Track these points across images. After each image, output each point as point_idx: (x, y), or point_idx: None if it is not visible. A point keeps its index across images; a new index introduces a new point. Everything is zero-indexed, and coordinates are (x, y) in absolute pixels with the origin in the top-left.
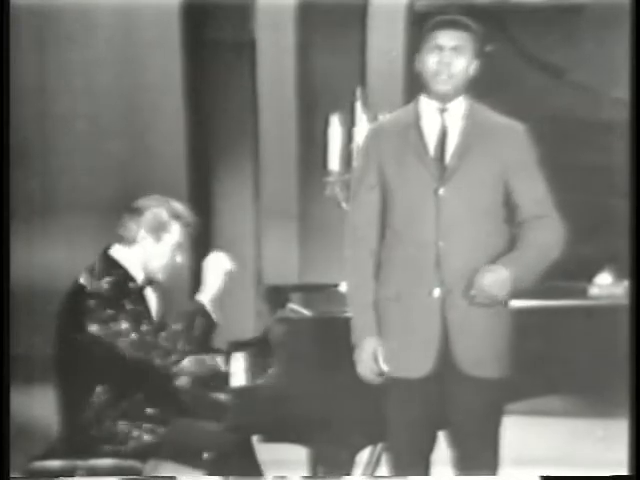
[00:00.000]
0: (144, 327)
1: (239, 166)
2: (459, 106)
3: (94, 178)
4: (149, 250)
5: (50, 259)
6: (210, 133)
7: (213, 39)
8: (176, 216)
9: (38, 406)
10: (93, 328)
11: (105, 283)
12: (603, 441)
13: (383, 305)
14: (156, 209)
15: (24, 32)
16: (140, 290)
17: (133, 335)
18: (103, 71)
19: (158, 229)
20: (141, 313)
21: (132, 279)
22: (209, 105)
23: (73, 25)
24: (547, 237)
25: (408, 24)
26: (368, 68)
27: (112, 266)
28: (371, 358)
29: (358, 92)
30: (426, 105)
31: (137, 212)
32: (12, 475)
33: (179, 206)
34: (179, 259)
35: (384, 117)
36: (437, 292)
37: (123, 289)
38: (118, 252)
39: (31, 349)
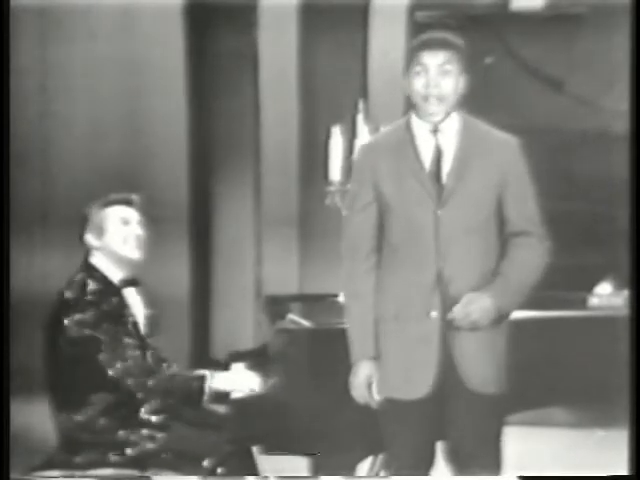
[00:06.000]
0: (128, 340)
1: (239, 174)
2: (452, 124)
3: (94, 181)
4: (102, 245)
5: (50, 269)
6: (211, 137)
7: (215, 41)
8: (107, 204)
9: (37, 416)
10: (74, 334)
11: (87, 286)
12: (603, 442)
13: (380, 324)
14: (90, 210)
15: (25, 32)
16: (118, 291)
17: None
18: (104, 72)
19: (97, 223)
20: (122, 319)
21: (108, 281)
22: (211, 108)
23: (74, 25)
24: (530, 259)
25: (409, 31)
26: (370, 78)
27: (90, 271)
28: (364, 385)
29: (360, 104)
30: (418, 126)
31: (83, 222)
32: (12, 476)
33: (113, 195)
34: (137, 231)
35: (376, 134)
36: (435, 314)
37: (103, 291)
38: (93, 258)
39: (31, 359)
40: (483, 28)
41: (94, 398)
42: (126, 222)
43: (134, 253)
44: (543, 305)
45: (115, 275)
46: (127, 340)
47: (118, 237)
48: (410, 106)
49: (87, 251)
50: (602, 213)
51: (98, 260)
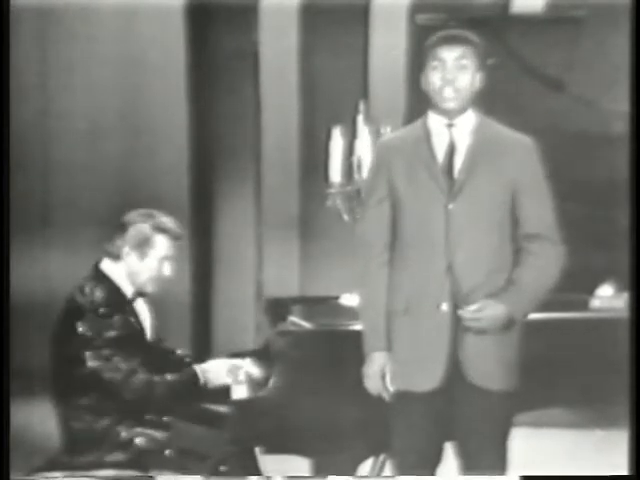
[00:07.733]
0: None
1: (240, 175)
2: (467, 121)
3: (94, 181)
4: (134, 266)
5: (50, 269)
6: (212, 137)
7: (215, 41)
8: (161, 230)
9: (37, 416)
10: (85, 340)
11: (97, 295)
12: (603, 442)
13: (392, 318)
14: (139, 225)
15: (25, 31)
16: (130, 303)
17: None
18: (105, 71)
19: (142, 245)
20: (132, 327)
21: (121, 292)
22: (211, 108)
23: (74, 24)
24: (545, 267)
25: (409, 32)
26: (370, 78)
27: (102, 279)
28: (378, 375)
29: (360, 105)
30: (434, 121)
31: (121, 228)
32: (12, 477)
33: (166, 220)
34: (167, 272)
35: (394, 132)
36: (445, 306)
37: (114, 301)
38: (107, 266)
39: (31, 359)
40: (483, 30)
41: (97, 399)
42: (163, 262)
43: (149, 287)
44: (545, 307)
45: (126, 287)
46: (129, 349)
47: (149, 273)
48: (412, 106)
49: (108, 255)
50: (602, 214)
51: (110, 268)
